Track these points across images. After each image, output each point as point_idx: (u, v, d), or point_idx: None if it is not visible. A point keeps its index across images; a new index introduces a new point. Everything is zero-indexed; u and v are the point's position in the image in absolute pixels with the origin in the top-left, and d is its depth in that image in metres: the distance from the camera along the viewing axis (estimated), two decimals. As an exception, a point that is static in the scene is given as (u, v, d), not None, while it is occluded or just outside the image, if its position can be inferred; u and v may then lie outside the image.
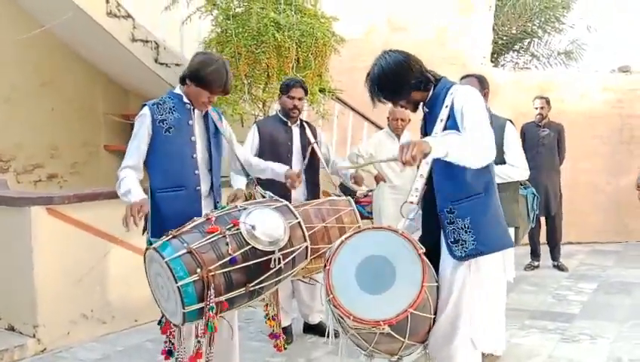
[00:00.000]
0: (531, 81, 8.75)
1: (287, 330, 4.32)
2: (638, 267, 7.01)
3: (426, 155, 2.32)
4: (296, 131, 4.39)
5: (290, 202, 3.61)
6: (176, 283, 2.51)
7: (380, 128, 6.43)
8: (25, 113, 6.68)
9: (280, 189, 3.51)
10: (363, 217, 4.22)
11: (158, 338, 4.42)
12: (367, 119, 7.19)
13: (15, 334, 4.35)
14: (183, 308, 2.53)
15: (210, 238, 2.63)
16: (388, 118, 5.34)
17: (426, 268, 2.50)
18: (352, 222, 3.38)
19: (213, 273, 2.56)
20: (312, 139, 4.32)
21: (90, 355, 4.25)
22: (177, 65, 6.25)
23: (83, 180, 7.16)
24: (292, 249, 2.80)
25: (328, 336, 2.78)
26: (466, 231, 2.60)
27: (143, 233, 3.08)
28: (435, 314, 2.62)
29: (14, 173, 6.67)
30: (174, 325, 2.79)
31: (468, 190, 2.61)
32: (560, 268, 6.85)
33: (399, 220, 2.71)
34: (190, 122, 3.06)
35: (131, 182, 2.91)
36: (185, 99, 3.05)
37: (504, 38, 12.29)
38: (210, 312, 2.56)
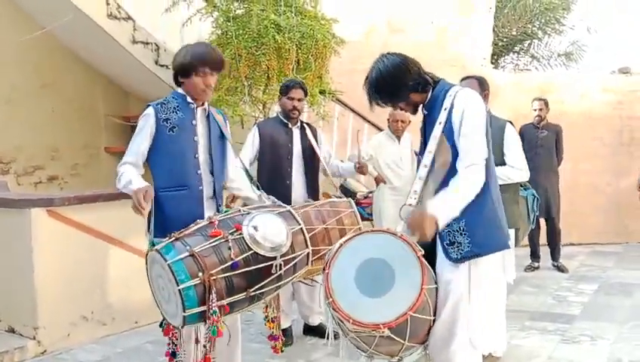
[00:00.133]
0: (531, 83, 8.76)
1: (287, 332, 4.32)
2: (639, 268, 7.00)
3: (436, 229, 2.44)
4: (296, 133, 4.39)
5: (291, 203, 3.62)
6: (178, 286, 2.50)
7: (381, 130, 6.43)
8: (25, 114, 6.69)
9: (280, 191, 3.51)
10: (363, 219, 4.21)
11: (158, 340, 4.43)
12: (367, 121, 7.19)
13: (15, 336, 4.35)
14: (184, 311, 2.53)
15: (212, 242, 2.63)
16: (388, 119, 5.35)
17: (425, 270, 2.50)
18: (353, 223, 3.37)
19: (214, 277, 2.56)
20: (315, 144, 4.30)
21: (90, 357, 4.25)
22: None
23: (83, 182, 7.16)
24: (294, 255, 2.80)
25: (328, 338, 2.79)
26: (461, 234, 2.60)
27: (147, 232, 3.09)
28: (435, 315, 2.62)
29: (15, 174, 6.67)
30: (174, 327, 2.79)
31: None
32: (560, 268, 6.85)
33: (399, 221, 2.71)
34: (194, 122, 3.07)
35: (131, 174, 2.91)
36: (189, 99, 3.06)
37: (504, 39, 12.30)
38: (214, 316, 2.56)
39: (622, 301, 5.58)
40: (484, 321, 2.71)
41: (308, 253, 2.88)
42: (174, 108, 3.03)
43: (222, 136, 3.19)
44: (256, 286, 2.68)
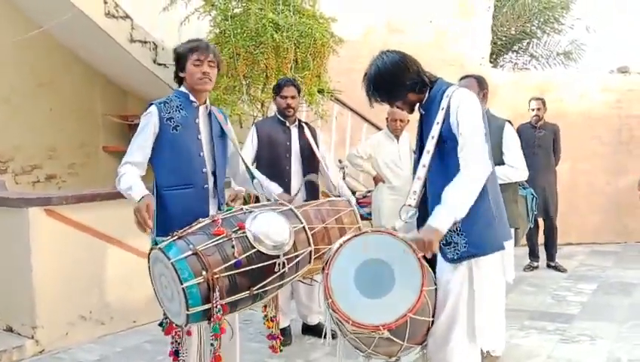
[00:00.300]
0: (530, 82, 8.75)
1: (285, 331, 4.32)
2: (638, 267, 7.00)
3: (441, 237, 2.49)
4: (294, 132, 4.38)
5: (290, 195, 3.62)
6: (182, 284, 2.50)
7: (379, 129, 6.43)
8: (23, 114, 6.68)
9: (280, 185, 3.49)
10: (362, 218, 4.20)
11: (156, 339, 4.43)
12: (366, 120, 7.19)
13: (13, 335, 4.34)
14: (187, 310, 2.52)
15: (216, 241, 2.62)
16: (387, 118, 5.34)
17: (425, 271, 2.49)
18: (352, 222, 3.36)
19: (218, 275, 2.55)
20: (314, 143, 4.29)
21: (89, 356, 4.24)
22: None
23: (81, 181, 7.16)
24: (296, 253, 2.80)
25: (326, 337, 2.78)
26: (457, 234, 2.60)
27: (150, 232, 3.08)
28: (434, 316, 2.61)
29: (12, 173, 6.67)
30: (177, 326, 2.78)
31: None
32: (558, 268, 6.84)
33: (398, 220, 2.70)
34: (197, 120, 3.07)
35: (132, 178, 2.88)
36: (191, 97, 3.06)
37: (503, 38, 12.30)
38: (218, 314, 2.56)
39: (621, 300, 5.58)
40: (484, 322, 2.70)
41: (310, 252, 2.89)
42: (177, 106, 3.03)
43: (222, 135, 3.18)
44: (260, 285, 2.68)
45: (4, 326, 4.43)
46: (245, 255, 2.63)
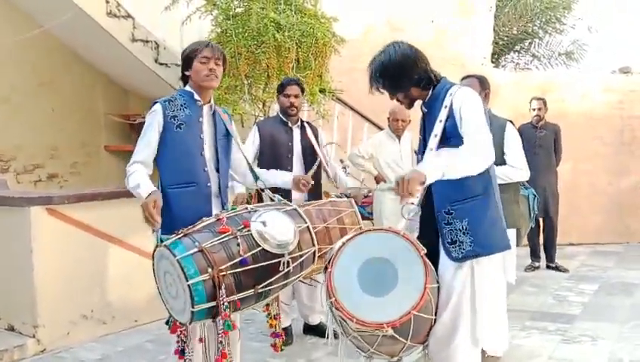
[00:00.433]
0: (532, 82, 8.74)
1: (287, 331, 4.31)
2: (639, 268, 6.99)
3: (423, 184, 2.37)
4: (296, 132, 4.38)
5: (291, 202, 3.61)
6: (187, 281, 2.50)
7: (381, 129, 6.42)
8: (25, 113, 6.68)
9: (280, 190, 3.49)
10: (363, 218, 4.21)
11: (158, 338, 4.43)
12: (367, 119, 7.18)
13: (15, 334, 4.34)
14: (193, 307, 2.52)
15: (221, 238, 2.63)
16: (388, 118, 5.33)
17: (428, 269, 2.49)
18: (354, 223, 3.37)
19: (224, 273, 2.56)
20: (316, 143, 4.29)
21: (90, 355, 4.24)
22: (177, 65, 6.23)
23: (83, 180, 7.16)
24: (301, 252, 2.81)
25: (328, 337, 2.78)
26: (463, 233, 2.60)
27: (153, 231, 3.08)
28: (436, 314, 2.61)
29: (14, 173, 6.67)
30: (181, 324, 2.79)
31: (466, 192, 2.61)
32: (559, 269, 6.83)
33: (401, 220, 2.70)
34: (200, 119, 3.08)
35: (140, 176, 2.90)
36: (196, 96, 3.07)
37: (505, 38, 12.29)
38: (226, 311, 2.56)
39: (622, 301, 5.57)
40: (486, 321, 2.70)
41: (314, 251, 2.89)
42: (181, 105, 3.05)
43: (227, 134, 3.19)
44: (264, 283, 2.69)
45: (6, 326, 4.43)
46: (251, 253, 2.64)
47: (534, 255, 6.94)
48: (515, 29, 12.34)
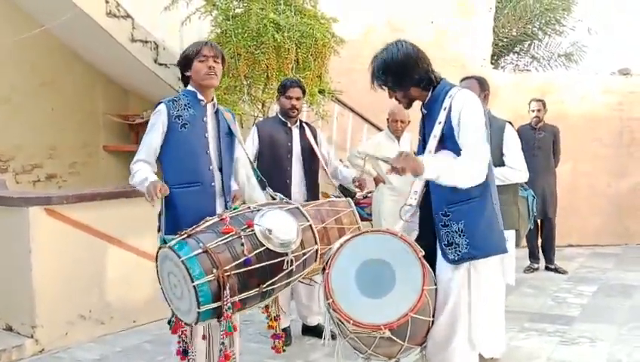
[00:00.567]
0: (531, 83, 8.74)
1: (285, 332, 4.31)
2: (638, 270, 6.99)
3: (416, 175, 2.44)
4: (296, 132, 4.38)
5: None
6: (193, 282, 2.51)
7: (380, 129, 6.42)
8: (24, 113, 6.68)
9: (280, 190, 3.48)
10: (362, 218, 4.21)
11: (156, 339, 4.43)
12: (366, 120, 7.18)
13: (13, 334, 4.33)
14: (198, 308, 2.53)
15: (225, 239, 2.64)
16: (387, 119, 5.33)
17: (426, 271, 2.49)
18: (352, 223, 3.37)
19: (228, 273, 2.56)
20: (315, 144, 4.29)
21: (89, 356, 4.23)
22: (176, 65, 6.25)
23: (82, 180, 7.15)
24: (303, 251, 2.82)
25: (325, 338, 2.78)
26: (459, 235, 2.59)
27: (158, 231, 3.09)
28: (434, 316, 2.61)
29: (13, 173, 6.66)
30: (186, 324, 2.79)
31: (463, 194, 2.60)
32: (558, 270, 6.83)
33: (399, 221, 2.70)
34: (205, 119, 3.10)
35: (146, 172, 2.96)
36: (199, 96, 3.09)
37: (504, 39, 12.30)
38: (228, 312, 2.57)
39: (621, 302, 5.57)
40: (484, 324, 2.70)
41: (317, 250, 2.91)
42: (185, 105, 3.07)
43: (230, 134, 3.20)
44: (268, 282, 2.70)
45: (4, 326, 4.42)
46: (255, 252, 2.65)
47: (533, 256, 6.94)
48: (515, 31, 12.35)
